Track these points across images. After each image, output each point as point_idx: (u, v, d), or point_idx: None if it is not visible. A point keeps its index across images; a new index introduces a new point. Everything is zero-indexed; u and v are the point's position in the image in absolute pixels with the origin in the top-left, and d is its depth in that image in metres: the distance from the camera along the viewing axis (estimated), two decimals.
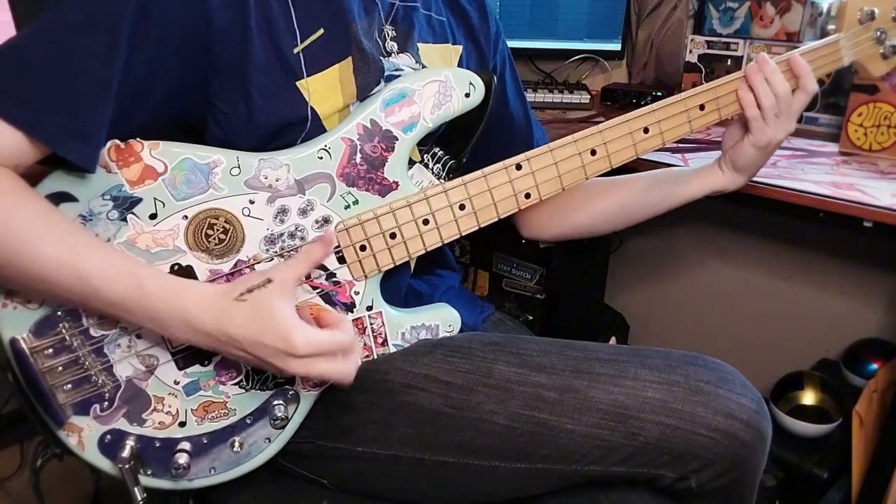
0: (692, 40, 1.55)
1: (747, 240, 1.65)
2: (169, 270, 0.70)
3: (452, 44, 0.89)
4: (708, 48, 1.53)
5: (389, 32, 0.81)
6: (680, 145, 1.31)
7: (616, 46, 1.70)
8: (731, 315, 1.67)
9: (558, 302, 1.69)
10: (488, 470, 0.75)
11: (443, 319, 0.83)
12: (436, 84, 0.76)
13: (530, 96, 1.59)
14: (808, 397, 1.37)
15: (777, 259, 1.61)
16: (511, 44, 1.75)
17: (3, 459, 1.66)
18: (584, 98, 1.60)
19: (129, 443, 0.73)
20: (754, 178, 0.95)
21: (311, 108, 0.73)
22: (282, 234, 0.73)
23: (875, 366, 1.41)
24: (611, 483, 0.76)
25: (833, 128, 1.40)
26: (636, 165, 1.00)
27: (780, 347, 1.57)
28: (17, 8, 1.26)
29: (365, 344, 0.80)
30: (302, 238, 0.74)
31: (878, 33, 0.89)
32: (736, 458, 0.72)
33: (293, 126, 0.73)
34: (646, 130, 0.82)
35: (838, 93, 1.39)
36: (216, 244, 0.71)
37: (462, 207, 0.78)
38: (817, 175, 1.13)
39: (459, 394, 0.75)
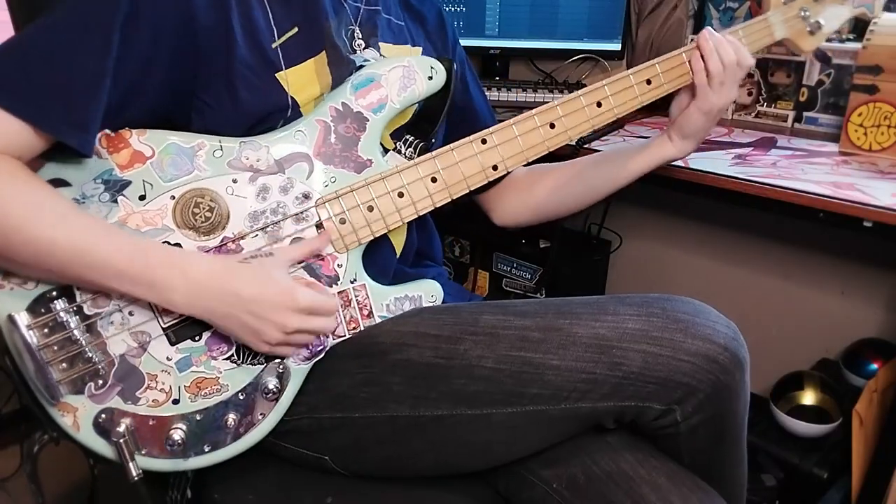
0: (692, 40, 1.55)
1: (747, 240, 1.65)
2: None
3: (412, 45, 0.95)
4: None
5: (357, 33, 0.88)
6: None
7: (616, 46, 1.70)
8: (731, 315, 1.62)
9: None
10: (481, 419, 0.76)
11: (425, 290, 0.87)
12: (400, 69, 0.82)
13: (530, 96, 1.60)
14: (808, 397, 1.37)
15: (777, 259, 1.60)
16: (511, 44, 1.77)
17: (3, 459, 1.66)
18: None
19: (124, 421, 0.74)
20: (754, 178, 1.04)
21: (291, 97, 0.79)
22: (264, 211, 0.77)
23: (875, 366, 1.40)
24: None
25: (833, 128, 1.40)
26: None
27: (780, 347, 1.56)
28: (15, 8, 1.27)
29: (351, 316, 0.82)
30: (283, 214, 0.78)
31: (802, 11, 0.98)
32: (717, 384, 0.74)
33: (275, 114, 0.78)
34: (598, 105, 0.88)
35: (838, 93, 1.39)
36: (203, 222, 0.75)
37: (434, 180, 0.83)
38: (817, 175, 1.13)
39: (448, 344, 0.77)
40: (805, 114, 1.46)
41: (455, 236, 1.84)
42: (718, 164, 1.18)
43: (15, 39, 0.68)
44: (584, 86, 1.66)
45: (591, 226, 1.83)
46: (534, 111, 0.85)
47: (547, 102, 1.56)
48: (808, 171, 1.16)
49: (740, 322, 0.80)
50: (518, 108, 1.58)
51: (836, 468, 1.28)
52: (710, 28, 0.92)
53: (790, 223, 1.50)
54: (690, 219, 1.74)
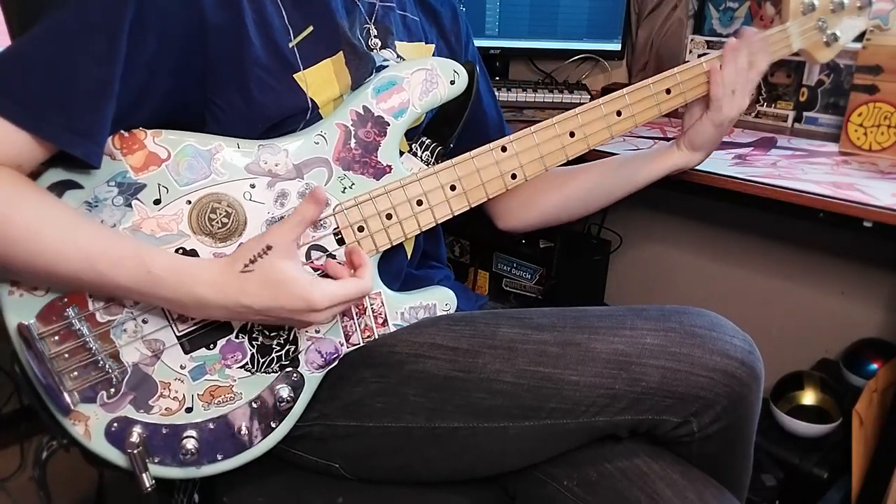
0: (692, 40, 1.55)
1: (747, 240, 1.65)
2: None
3: (426, 42, 0.94)
4: (708, 48, 1.53)
5: (372, 31, 0.86)
6: None
7: (616, 46, 1.70)
8: (732, 315, 1.62)
9: (558, 302, 1.69)
10: (498, 432, 0.76)
11: (440, 299, 0.86)
12: (423, 72, 0.80)
13: (530, 96, 1.60)
14: (808, 397, 1.37)
15: (777, 259, 1.61)
16: (511, 44, 1.77)
17: (3, 459, 1.65)
18: (584, 98, 1.60)
19: (137, 430, 0.73)
20: (754, 178, 1.04)
21: (311, 98, 0.77)
22: (282, 217, 0.75)
23: (875, 366, 1.40)
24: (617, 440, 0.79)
25: (833, 128, 1.40)
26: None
27: (780, 347, 1.56)
28: (10, 12, 1.26)
29: (366, 325, 0.82)
30: None
31: (820, 22, 0.98)
32: (734, 396, 0.75)
33: (294, 116, 0.76)
34: (619, 113, 0.88)
35: (838, 93, 1.39)
36: (219, 228, 0.73)
37: (453, 188, 0.82)
38: (817, 175, 1.13)
39: (466, 357, 0.77)
40: (805, 114, 1.46)
41: (455, 236, 1.84)
42: (718, 164, 1.18)
43: (17, 44, 0.65)
44: (585, 86, 1.67)
45: (591, 226, 1.83)
46: (554, 119, 0.85)
47: (547, 102, 1.60)
48: (808, 171, 1.16)
49: (740, 322, 0.80)
50: (518, 108, 1.58)
51: (836, 468, 1.29)
52: (752, 29, 0.93)
53: (790, 223, 1.51)
54: (690, 219, 1.74)
